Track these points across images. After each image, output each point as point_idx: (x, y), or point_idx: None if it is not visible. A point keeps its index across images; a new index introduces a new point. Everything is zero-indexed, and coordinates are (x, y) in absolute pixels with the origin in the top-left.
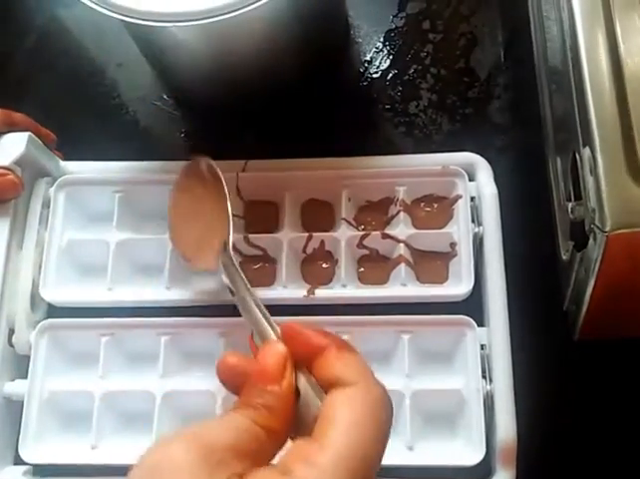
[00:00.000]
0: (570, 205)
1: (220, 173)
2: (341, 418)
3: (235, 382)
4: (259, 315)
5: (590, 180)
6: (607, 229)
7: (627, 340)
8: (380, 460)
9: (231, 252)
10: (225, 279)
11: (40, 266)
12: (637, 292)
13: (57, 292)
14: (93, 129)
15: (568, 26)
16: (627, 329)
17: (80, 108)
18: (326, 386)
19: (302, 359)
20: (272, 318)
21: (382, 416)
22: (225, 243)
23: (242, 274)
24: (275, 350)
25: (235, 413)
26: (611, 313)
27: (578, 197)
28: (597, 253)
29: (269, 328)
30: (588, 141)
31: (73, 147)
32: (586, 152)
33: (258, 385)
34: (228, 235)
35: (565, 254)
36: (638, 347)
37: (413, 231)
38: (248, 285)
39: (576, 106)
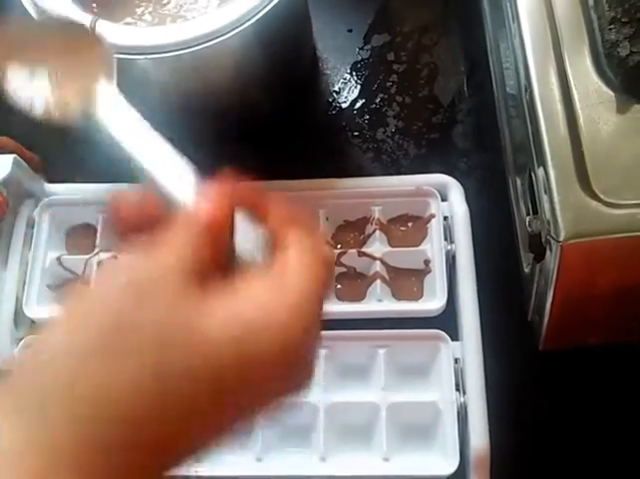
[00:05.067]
0: (528, 219)
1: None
2: (298, 262)
3: (138, 222)
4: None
5: (544, 194)
6: (561, 238)
7: (589, 349)
8: (322, 308)
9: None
10: (104, 120)
11: (24, 285)
12: (594, 302)
13: (40, 310)
14: (69, 158)
15: (521, 55)
16: (587, 339)
17: (57, 138)
18: (280, 235)
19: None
20: None
21: (329, 267)
22: (106, 75)
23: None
24: (221, 187)
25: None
26: (571, 323)
27: (535, 211)
28: (554, 264)
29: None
30: (542, 158)
31: (51, 176)
32: (540, 169)
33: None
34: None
35: (527, 267)
36: (599, 356)
37: (388, 248)
38: (146, 124)
39: (530, 128)
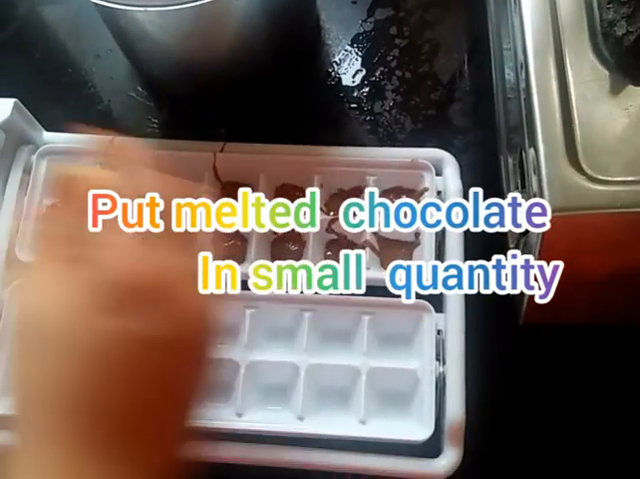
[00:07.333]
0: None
1: None
2: None
3: None
4: None
5: (532, 168)
6: None
7: (569, 326)
8: None
9: None
10: None
11: (17, 229)
12: (575, 278)
13: (32, 254)
14: (67, 118)
15: (519, 32)
16: (568, 316)
17: (55, 97)
18: None
19: None
20: None
21: None
22: None
23: None
24: None
25: None
26: (552, 300)
27: (524, 187)
28: (537, 237)
29: None
30: (533, 134)
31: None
32: (530, 147)
33: None
34: None
35: (512, 243)
36: (579, 332)
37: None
38: None
39: (524, 105)
